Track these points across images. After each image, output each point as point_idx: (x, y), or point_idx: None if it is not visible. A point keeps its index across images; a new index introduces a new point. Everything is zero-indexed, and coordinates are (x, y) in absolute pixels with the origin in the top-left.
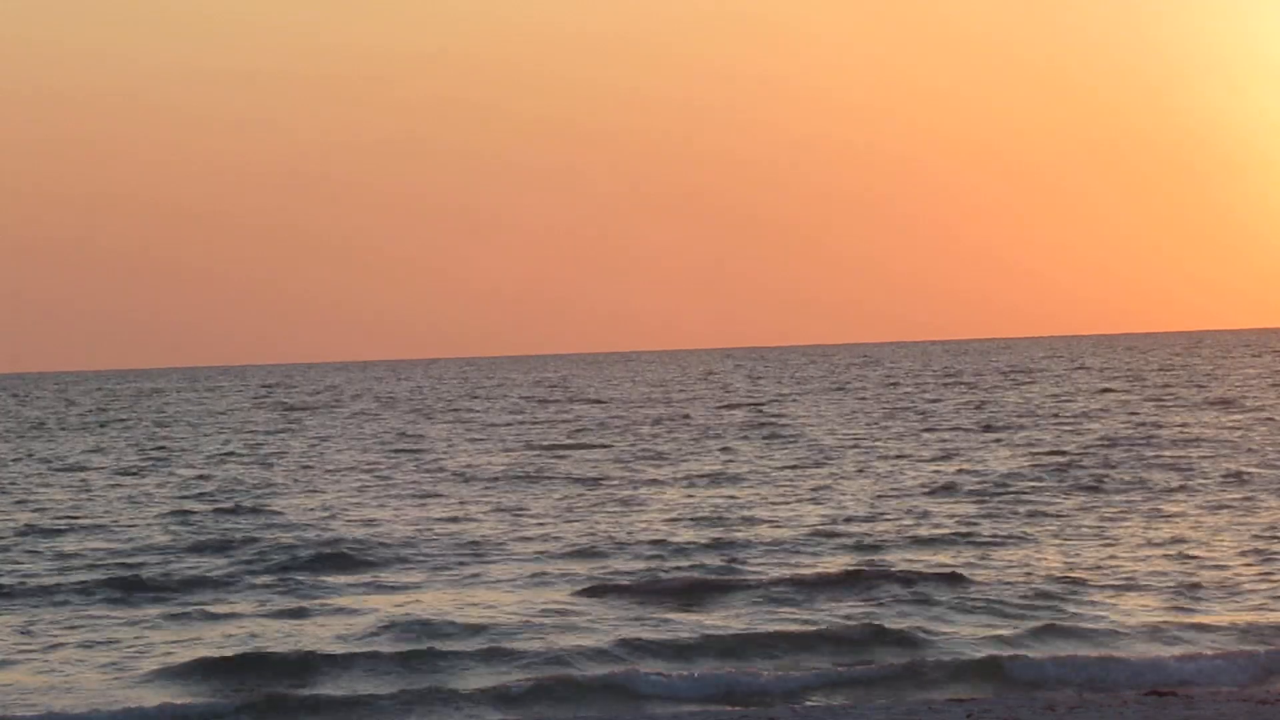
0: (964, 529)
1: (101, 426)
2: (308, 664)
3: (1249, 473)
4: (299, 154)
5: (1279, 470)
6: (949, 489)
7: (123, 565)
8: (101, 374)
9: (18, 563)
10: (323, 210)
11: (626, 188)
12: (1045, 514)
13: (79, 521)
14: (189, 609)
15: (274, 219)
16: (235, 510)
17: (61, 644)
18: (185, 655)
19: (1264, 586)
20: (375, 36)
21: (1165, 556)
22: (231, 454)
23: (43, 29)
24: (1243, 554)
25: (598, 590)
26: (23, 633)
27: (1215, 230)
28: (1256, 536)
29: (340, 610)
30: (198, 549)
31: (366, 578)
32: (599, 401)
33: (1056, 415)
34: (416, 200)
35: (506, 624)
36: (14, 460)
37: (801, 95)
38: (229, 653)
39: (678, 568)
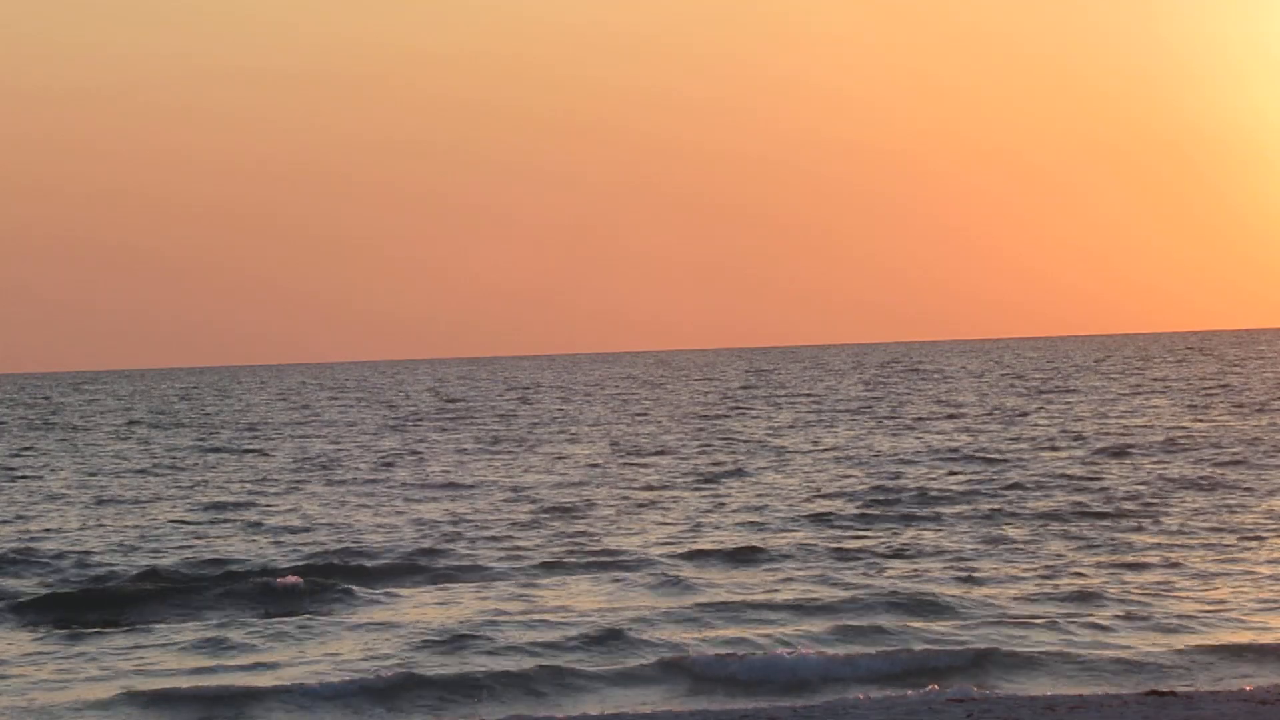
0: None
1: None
2: (237, 699)
3: None
4: (300, 153)
5: None
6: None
7: (81, 578)
8: (101, 374)
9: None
10: (324, 210)
11: (630, 187)
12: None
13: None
14: (140, 630)
15: (275, 218)
16: (213, 524)
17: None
18: (115, 685)
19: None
20: (377, 35)
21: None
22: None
23: (62, 27)
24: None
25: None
26: None
27: (1221, 230)
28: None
29: (292, 638)
30: (181, 562)
31: (339, 597)
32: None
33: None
34: (418, 199)
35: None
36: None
37: (805, 94)
38: (161, 685)
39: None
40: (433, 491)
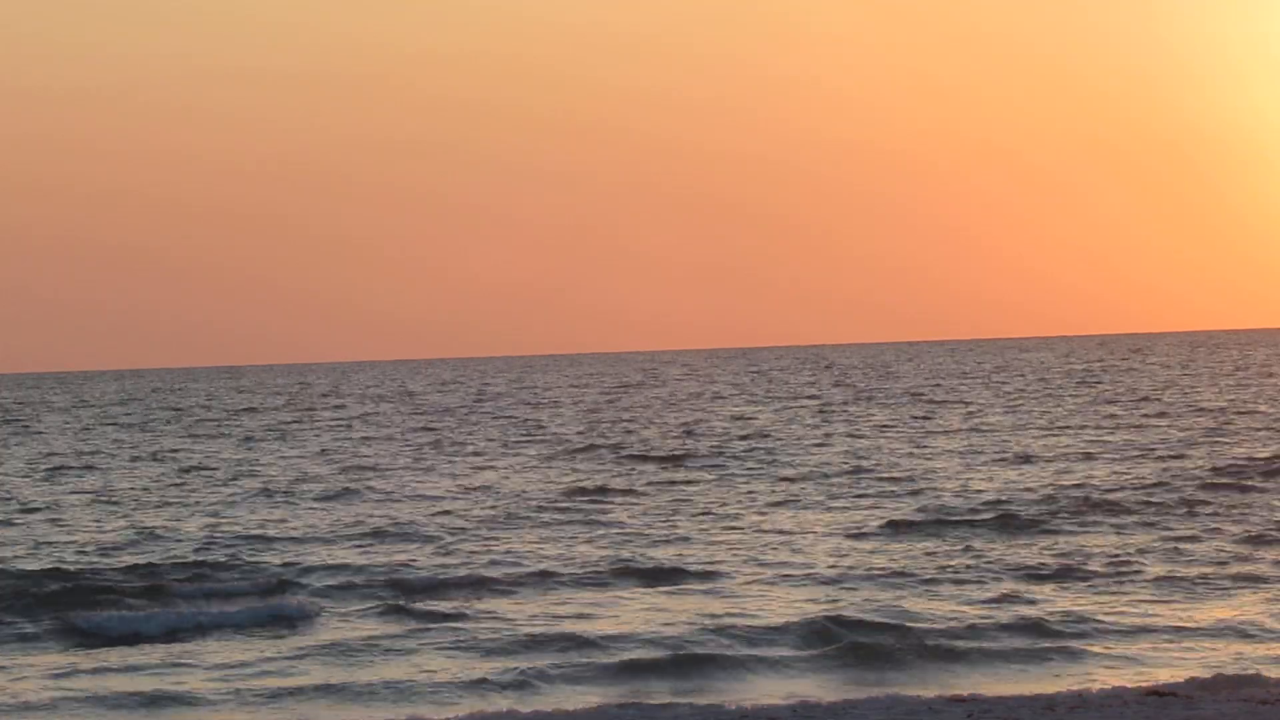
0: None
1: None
2: None
3: None
4: (300, 153)
5: None
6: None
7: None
8: (101, 374)
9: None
10: (324, 210)
11: (630, 187)
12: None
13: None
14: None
15: (275, 218)
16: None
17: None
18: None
19: None
20: (377, 35)
21: None
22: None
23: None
24: None
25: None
26: None
27: (1221, 230)
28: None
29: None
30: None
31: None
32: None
33: None
34: (418, 199)
35: None
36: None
37: (805, 94)
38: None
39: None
40: (481, 495)
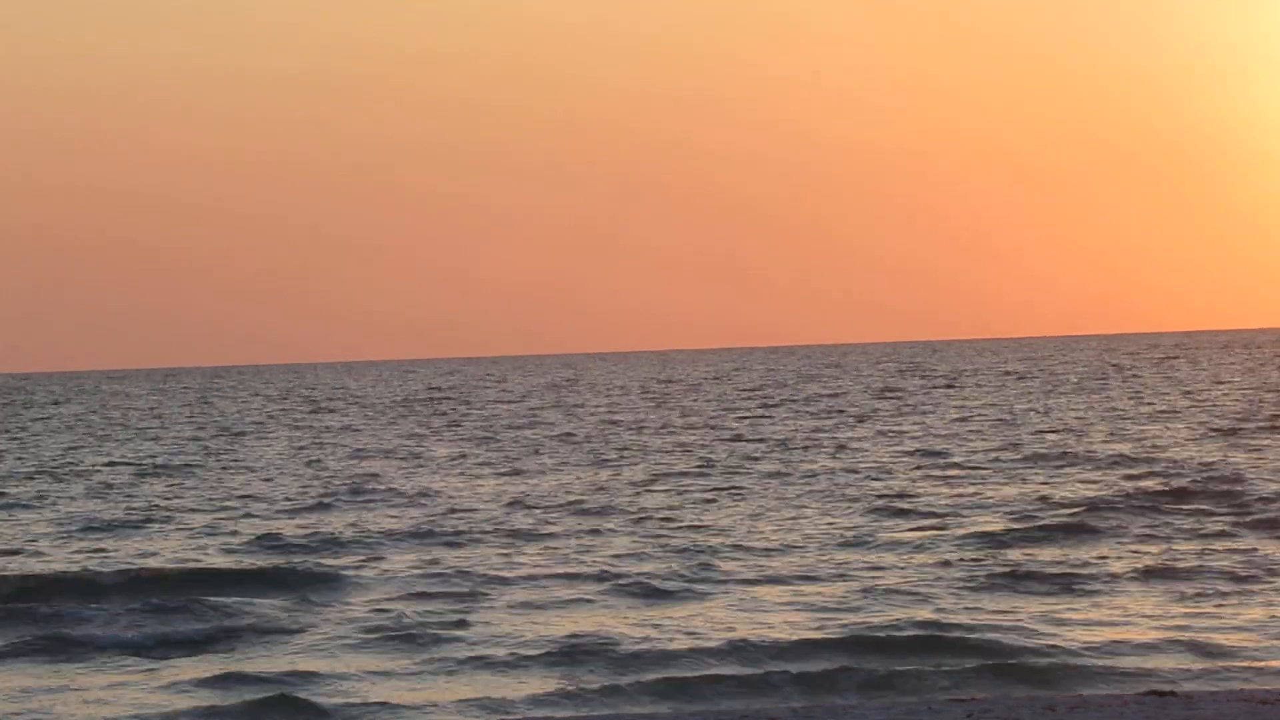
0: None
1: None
2: None
3: None
4: (300, 153)
5: None
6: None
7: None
8: (104, 374)
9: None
10: (325, 210)
11: (631, 186)
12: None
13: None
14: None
15: (276, 218)
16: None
17: None
18: None
19: None
20: (377, 35)
21: None
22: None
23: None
24: None
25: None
26: None
27: (1222, 230)
28: None
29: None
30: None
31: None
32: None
33: None
34: (418, 199)
35: None
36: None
37: (807, 93)
38: None
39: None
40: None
